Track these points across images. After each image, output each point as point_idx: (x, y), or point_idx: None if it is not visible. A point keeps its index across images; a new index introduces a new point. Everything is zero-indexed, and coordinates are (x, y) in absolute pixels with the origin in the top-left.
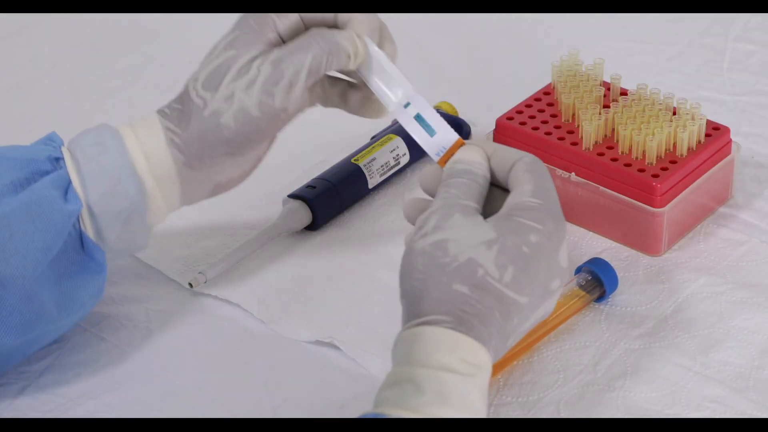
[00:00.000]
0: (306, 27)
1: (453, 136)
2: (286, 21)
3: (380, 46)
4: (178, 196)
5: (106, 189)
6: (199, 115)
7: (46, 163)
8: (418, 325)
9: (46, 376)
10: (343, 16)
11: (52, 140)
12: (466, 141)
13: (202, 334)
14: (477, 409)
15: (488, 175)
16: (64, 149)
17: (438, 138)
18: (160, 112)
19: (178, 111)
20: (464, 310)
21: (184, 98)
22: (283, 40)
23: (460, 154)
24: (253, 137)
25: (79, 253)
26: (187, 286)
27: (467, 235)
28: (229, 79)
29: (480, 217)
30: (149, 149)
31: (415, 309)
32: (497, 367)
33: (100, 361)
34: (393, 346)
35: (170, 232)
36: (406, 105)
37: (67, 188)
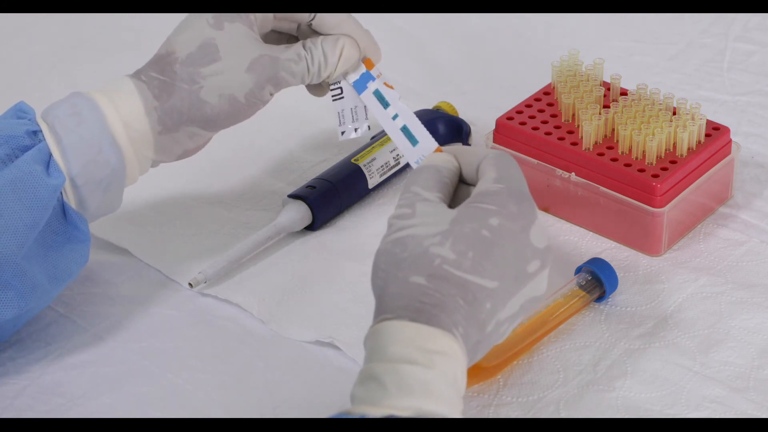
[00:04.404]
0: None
1: (432, 144)
2: (261, 17)
3: (366, 52)
4: (150, 161)
5: (87, 159)
6: (182, 89)
7: (25, 138)
8: (379, 321)
9: (46, 376)
10: (323, 19)
11: (24, 112)
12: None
13: (202, 334)
14: (445, 396)
15: (453, 168)
16: (40, 121)
17: (419, 147)
18: (135, 79)
19: (159, 81)
20: (422, 301)
21: (164, 69)
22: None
23: (427, 158)
24: (233, 119)
25: (63, 223)
26: (187, 286)
27: (425, 228)
28: (222, 60)
29: (442, 207)
30: (126, 117)
31: (379, 306)
32: (497, 367)
33: (100, 361)
34: (363, 346)
35: (170, 232)
36: (395, 117)
37: (48, 161)
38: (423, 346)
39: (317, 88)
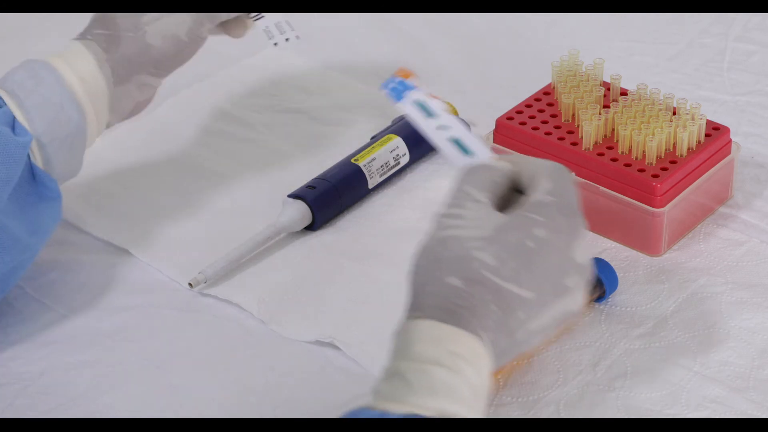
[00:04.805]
0: None
1: (488, 154)
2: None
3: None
4: (107, 116)
5: (51, 117)
6: (128, 37)
7: None
8: (410, 318)
9: (46, 376)
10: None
11: None
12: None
13: (202, 334)
14: (469, 401)
15: (506, 171)
16: None
17: (473, 158)
18: (81, 40)
19: (105, 35)
20: (455, 303)
21: (107, 23)
22: None
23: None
24: (179, 59)
25: (32, 184)
26: (187, 286)
27: (470, 231)
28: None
29: (491, 210)
30: (82, 73)
31: (412, 303)
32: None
33: (100, 361)
34: (391, 340)
35: (170, 232)
36: (442, 127)
37: (12, 124)
38: (451, 348)
39: (236, 27)
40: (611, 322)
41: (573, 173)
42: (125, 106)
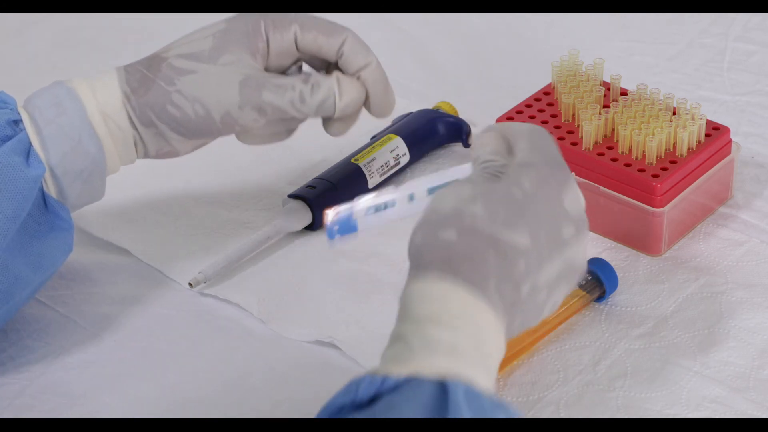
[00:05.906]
0: (298, 48)
1: (468, 170)
2: (279, 37)
3: (377, 98)
4: (133, 152)
5: (66, 149)
6: (160, 89)
7: (6, 128)
8: (410, 280)
9: (46, 376)
10: (348, 59)
11: (5, 102)
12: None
13: (202, 334)
14: (473, 358)
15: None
16: (21, 110)
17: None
18: (121, 69)
19: (142, 75)
20: (451, 255)
21: (152, 65)
22: (268, 49)
23: (477, 143)
24: (203, 132)
25: (44, 213)
26: (187, 286)
27: (458, 190)
28: (203, 72)
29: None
30: (106, 109)
31: (411, 265)
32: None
33: (100, 361)
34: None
35: (170, 232)
36: (411, 197)
37: (28, 152)
38: (450, 305)
39: (337, 125)
40: (611, 322)
41: (548, 133)
42: (153, 148)
